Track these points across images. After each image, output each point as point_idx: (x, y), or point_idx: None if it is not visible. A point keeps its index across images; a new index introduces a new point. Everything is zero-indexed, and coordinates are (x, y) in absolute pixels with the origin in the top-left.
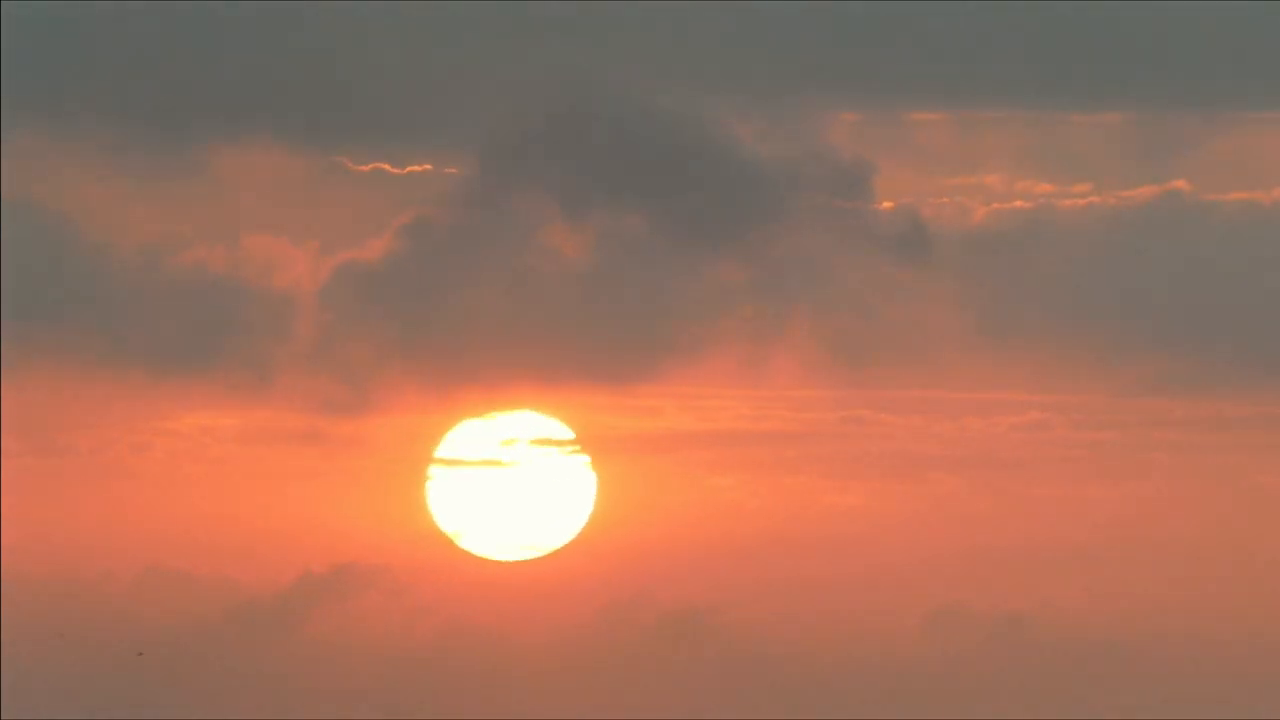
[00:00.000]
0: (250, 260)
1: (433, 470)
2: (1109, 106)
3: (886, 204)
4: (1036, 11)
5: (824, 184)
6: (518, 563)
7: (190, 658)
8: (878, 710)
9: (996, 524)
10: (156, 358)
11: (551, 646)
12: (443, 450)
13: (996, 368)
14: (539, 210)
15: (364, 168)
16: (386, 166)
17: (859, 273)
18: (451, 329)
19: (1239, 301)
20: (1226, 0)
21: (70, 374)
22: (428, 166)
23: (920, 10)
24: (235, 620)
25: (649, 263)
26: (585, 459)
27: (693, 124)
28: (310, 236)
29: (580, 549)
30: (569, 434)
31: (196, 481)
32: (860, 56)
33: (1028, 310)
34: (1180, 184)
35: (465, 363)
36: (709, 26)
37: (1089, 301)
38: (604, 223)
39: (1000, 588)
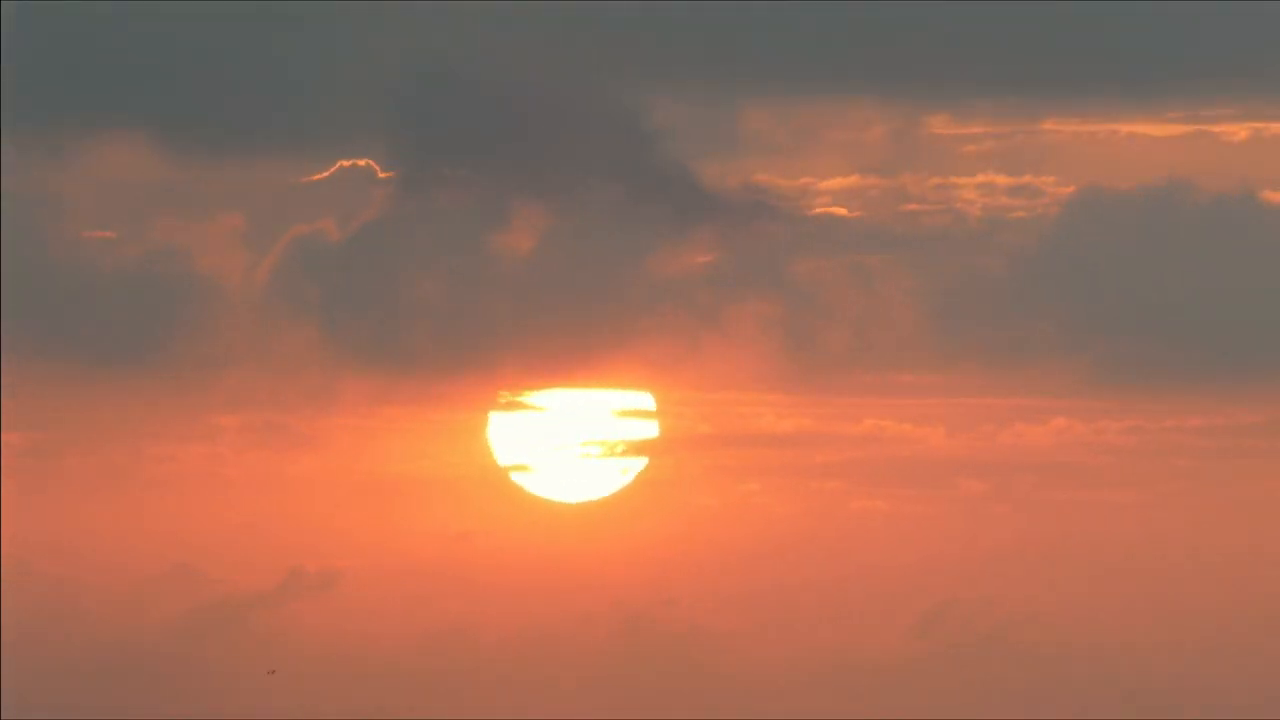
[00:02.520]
0: (231, 265)
1: (431, 474)
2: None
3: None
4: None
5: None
6: (530, 563)
7: (188, 658)
8: (905, 710)
9: (1019, 528)
10: (149, 360)
11: (555, 647)
12: (447, 452)
13: (1018, 374)
14: (502, 206)
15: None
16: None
17: (869, 278)
18: (441, 329)
19: (1259, 307)
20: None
21: (66, 374)
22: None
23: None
24: (233, 620)
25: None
26: (610, 461)
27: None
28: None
29: (603, 548)
30: (591, 436)
31: (193, 482)
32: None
33: (1047, 317)
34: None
35: (471, 361)
36: (661, 25)
37: (1107, 309)
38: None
39: (1023, 591)
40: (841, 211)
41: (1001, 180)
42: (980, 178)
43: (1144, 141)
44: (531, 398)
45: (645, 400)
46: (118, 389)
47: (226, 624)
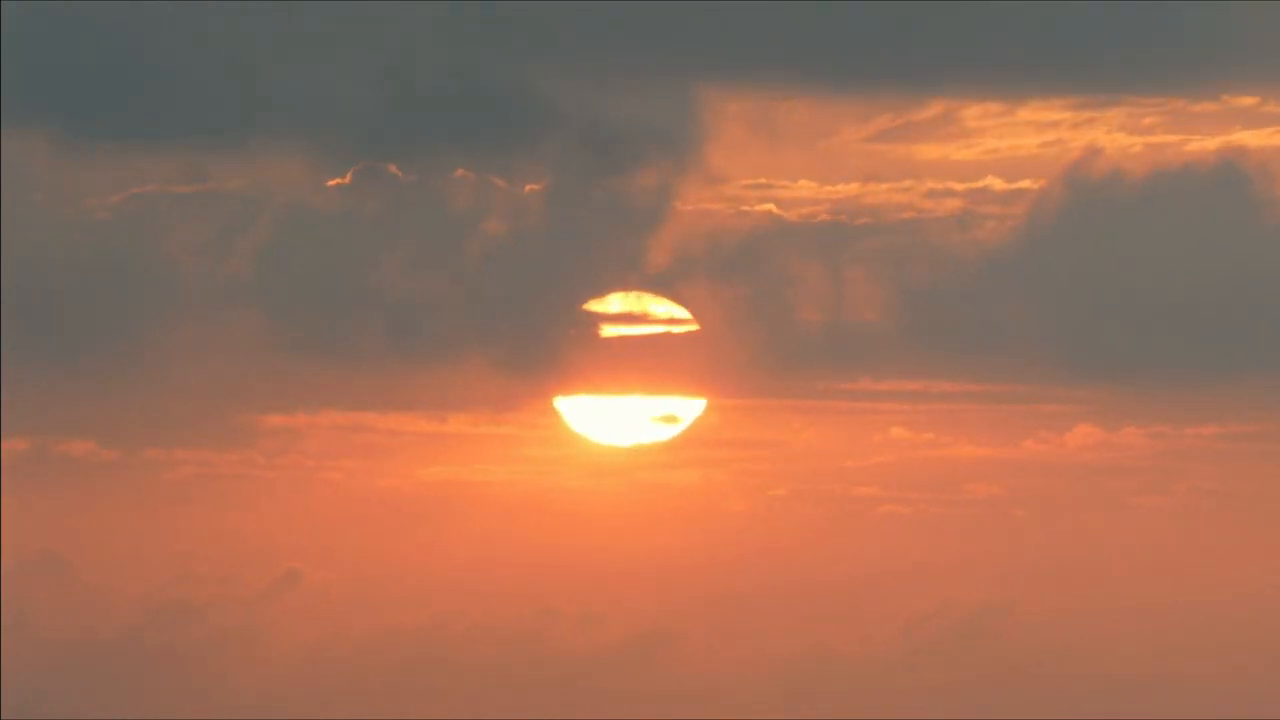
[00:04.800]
0: (248, 267)
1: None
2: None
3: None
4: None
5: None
6: (555, 568)
7: (185, 659)
8: (925, 711)
9: (1047, 533)
10: (168, 362)
11: (575, 652)
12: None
13: (1042, 381)
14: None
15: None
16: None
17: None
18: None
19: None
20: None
21: (71, 376)
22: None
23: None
24: (228, 622)
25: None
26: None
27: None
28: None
29: (628, 554)
30: (620, 441)
31: (219, 485)
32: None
33: (1071, 324)
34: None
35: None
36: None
37: (1133, 315)
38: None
39: (1048, 596)
40: (844, 218)
41: (999, 186)
42: (979, 183)
43: (1156, 140)
44: (560, 403)
45: (677, 405)
46: (132, 391)
47: (231, 627)
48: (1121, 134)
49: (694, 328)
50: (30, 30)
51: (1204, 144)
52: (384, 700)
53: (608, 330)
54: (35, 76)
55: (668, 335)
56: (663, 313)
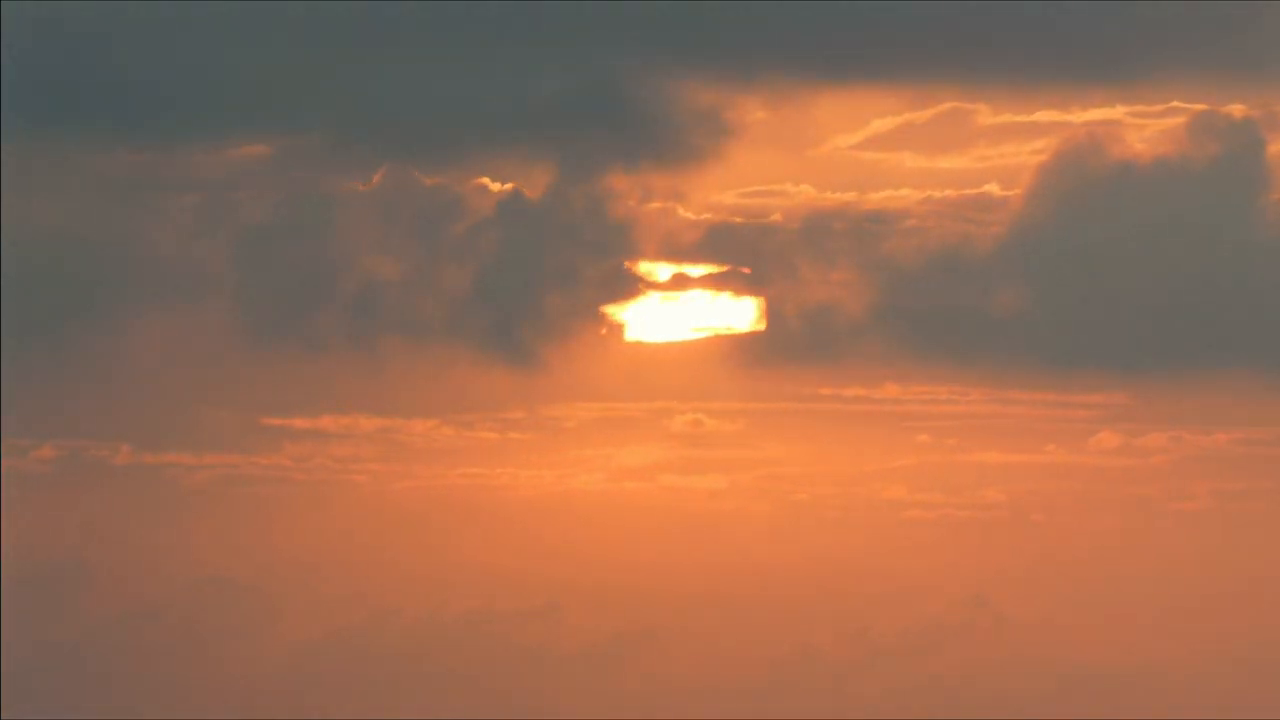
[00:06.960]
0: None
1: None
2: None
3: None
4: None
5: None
6: (575, 568)
7: (183, 659)
8: (946, 711)
9: (1067, 537)
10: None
11: (595, 659)
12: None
13: (1062, 387)
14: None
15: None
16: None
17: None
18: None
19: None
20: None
21: (74, 377)
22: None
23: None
24: (243, 623)
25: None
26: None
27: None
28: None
29: (648, 557)
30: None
31: (232, 489)
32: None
33: (1089, 330)
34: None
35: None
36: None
37: (1152, 321)
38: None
39: (1062, 599)
40: (846, 223)
41: (998, 192)
42: (979, 188)
43: (1165, 144)
44: (586, 407)
45: (701, 410)
46: (160, 396)
47: (244, 627)
48: (1126, 138)
49: (716, 333)
50: (30, 30)
51: (1215, 146)
52: (396, 698)
53: (632, 335)
54: (35, 77)
55: (690, 341)
56: (685, 319)
